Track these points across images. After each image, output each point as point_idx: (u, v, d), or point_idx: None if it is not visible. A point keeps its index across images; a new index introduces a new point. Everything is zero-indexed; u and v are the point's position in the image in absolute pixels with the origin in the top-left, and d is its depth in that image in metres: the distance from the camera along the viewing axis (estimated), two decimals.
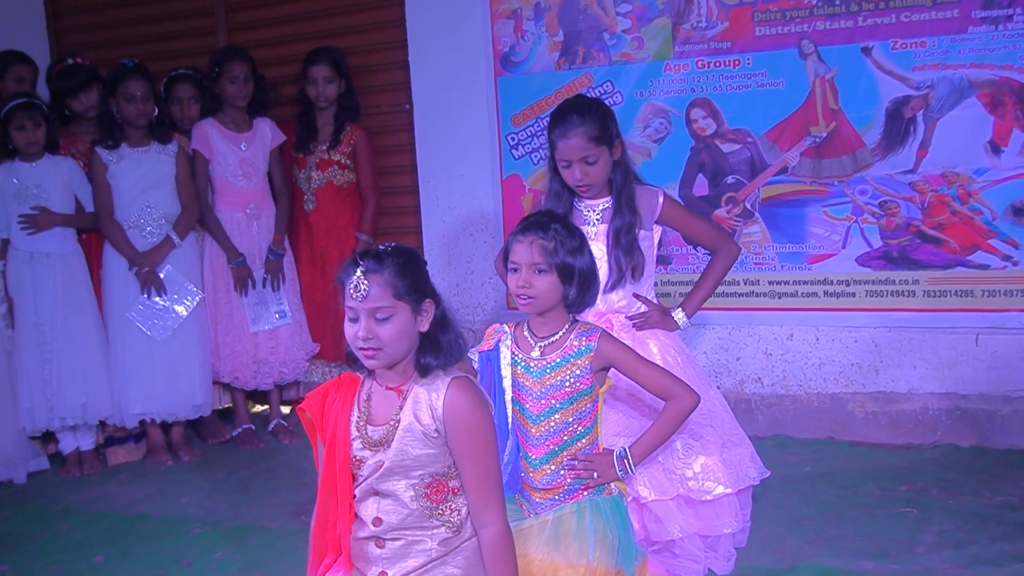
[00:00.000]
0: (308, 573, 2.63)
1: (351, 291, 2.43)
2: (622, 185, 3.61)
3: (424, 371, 2.51)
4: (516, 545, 2.64)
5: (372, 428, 2.51)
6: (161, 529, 4.37)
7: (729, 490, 3.48)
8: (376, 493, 2.51)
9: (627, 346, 3.14)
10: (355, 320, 2.45)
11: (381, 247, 2.50)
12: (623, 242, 3.58)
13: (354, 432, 2.53)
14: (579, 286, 3.02)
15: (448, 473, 2.51)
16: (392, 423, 2.49)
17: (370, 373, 2.58)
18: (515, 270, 3.01)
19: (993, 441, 4.72)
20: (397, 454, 2.47)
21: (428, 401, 2.48)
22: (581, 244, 3.05)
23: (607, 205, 3.63)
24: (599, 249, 3.57)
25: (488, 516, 2.50)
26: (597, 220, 3.63)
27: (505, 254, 3.08)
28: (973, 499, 4.12)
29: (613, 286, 3.60)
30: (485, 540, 2.51)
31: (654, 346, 3.59)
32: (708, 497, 3.45)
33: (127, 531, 4.37)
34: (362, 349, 2.45)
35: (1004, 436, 4.70)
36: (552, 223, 3.03)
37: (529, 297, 2.98)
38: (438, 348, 2.52)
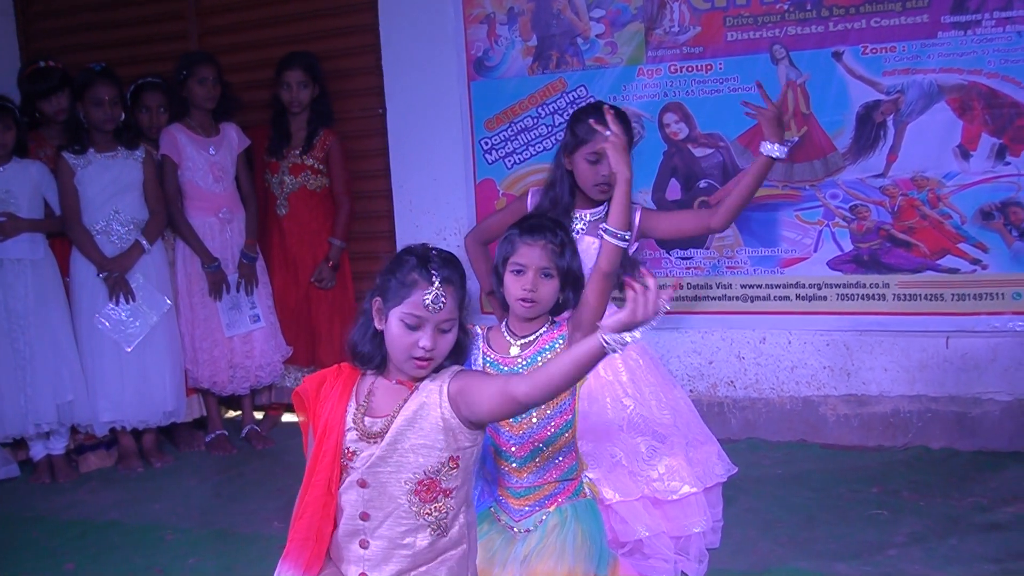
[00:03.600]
0: (288, 560, 2.54)
1: (428, 303, 2.39)
2: None
3: (439, 368, 2.51)
4: (505, 568, 2.78)
5: (371, 420, 2.47)
6: (133, 536, 4.35)
7: (695, 489, 3.50)
8: (365, 485, 2.47)
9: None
10: (415, 328, 2.41)
11: (445, 254, 2.49)
12: None
13: (349, 423, 2.48)
14: (575, 290, 3.04)
15: (441, 471, 2.46)
16: (393, 415, 2.45)
17: (382, 370, 2.54)
18: (520, 272, 2.99)
19: (963, 443, 4.75)
20: (390, 444, 2.43)
21: (436, 391, 2.45)
22: (576, 248, 3.08)
23: (596, 216, 3.65)
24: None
25: (519, 377, 2.40)
26: (582, 229, 3.65)
27: (479, 241, 3.08)
28: (943, 500, 4.15)
29: None
30: (528, 373, 2.40)
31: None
32: (674, 497, 3.48)
33: (99, 538, 4.35)
34: (417, 359, 2.42)
35: (974, 438, 4.74)
36: (556, 226, 3.05)
37: (533, 302, 2.98)
38: (460, 350, 2.53)
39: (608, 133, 3.17)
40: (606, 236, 3.09)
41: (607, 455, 3.50)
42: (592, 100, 5.24)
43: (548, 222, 3.07)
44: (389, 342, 2.46)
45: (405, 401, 2.47)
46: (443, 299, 2.39)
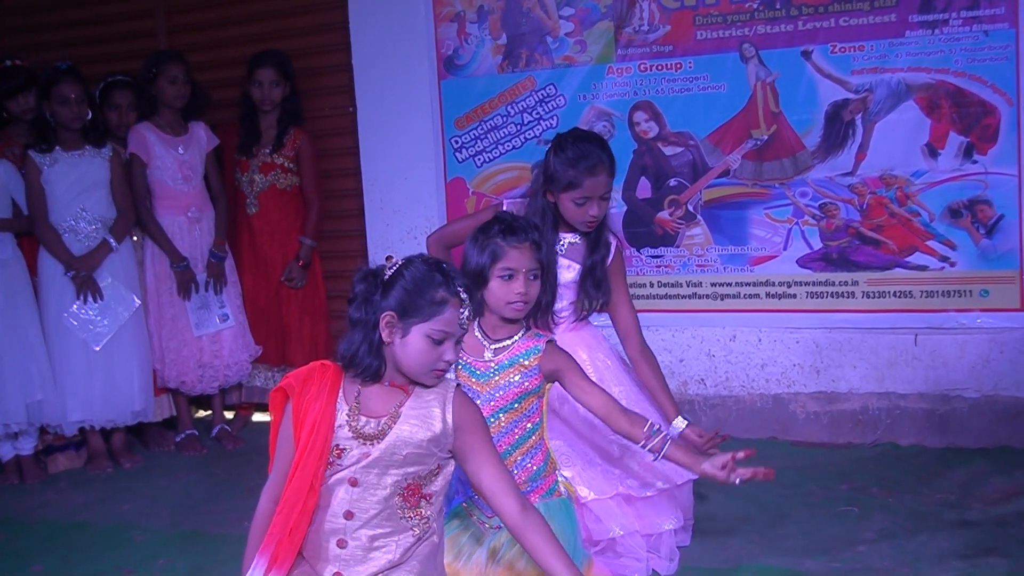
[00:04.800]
0: (266, 552, 2.51)
1: (462, 320, 2.45)
2: (602, 220, 3.64)
3: None
4: (471, 561, 2.78)
5: (365, 419, 2.48)
6: (102, 537, 4.32)
7: (667, 486, 3.51)
8: (356, 484, 2.47)
9: (574, 359, 3.13)
10: (441, 343, 2.45)
11: (454, 267, 2.53)
12: (598, 274, 3.60)
13: (341, 420, 2.48)
14: (544, 283, 3.05)
15: (426, 477, 2.50)
16: (391, 417, 2.47)
17: (370, 377, 2.54)
18: (510, 277, 2.97)
19: (932, 440, 4.78)
20: (389, 447, 2.45)
21: (438, 401, 2.50)
22: (547, 240, 3.09)
23: (575, 239, 3.65)
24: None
25: (521, 498, 2.53)
26: (560, 252, 3.63)
27: (443, 244, 3.06)
28: (912, 497, 4.17)
29: (578, 318, 3.63)
30: (535, 520, 2.50)
31: (584, 353, 3.63)
32: (647, 494, 3.49)
33: (68, 539, 4.31)
34: (438, 370, 2.47)
35: (943, 435, 4.77)
36: (532, 226, 3.04)
37: (525, 304, 2.98)
38: None
39: (736, 482, 3.09)
40: (652, 442, 3.06)
41: (581, 453, 3.51)
42: (561, 97, 5.25)
43: (523, 222, 3.06)
44: (407, 355, 2.46)
45: (401, 405, 2.49)
46: (472, 315, 2.47)
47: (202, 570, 3.88)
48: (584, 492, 3.43)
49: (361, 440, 2.46)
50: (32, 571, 3.99)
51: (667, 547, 3.54)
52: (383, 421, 2.47)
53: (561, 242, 3.64)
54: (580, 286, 3.63)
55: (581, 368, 3.13)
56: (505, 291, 2.98)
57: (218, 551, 4.02)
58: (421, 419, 2.47)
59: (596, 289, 3.62)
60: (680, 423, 3.50)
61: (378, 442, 2.45)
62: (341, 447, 2.48)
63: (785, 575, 3.50)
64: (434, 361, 2.45)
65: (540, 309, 3.11)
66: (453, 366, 3.06)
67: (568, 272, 3.64)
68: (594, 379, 3.63)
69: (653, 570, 3.48)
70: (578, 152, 3.52)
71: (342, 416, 2.49)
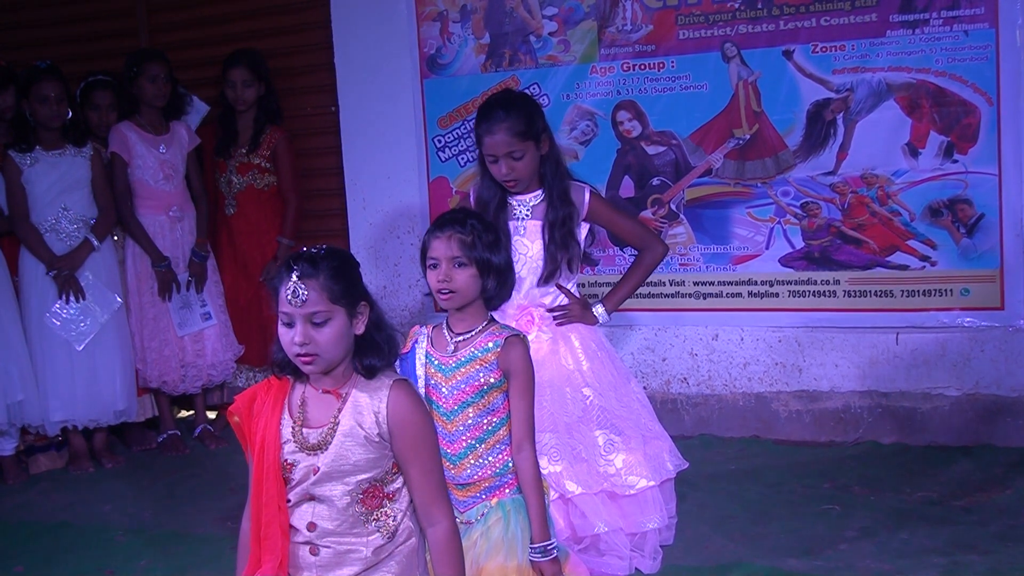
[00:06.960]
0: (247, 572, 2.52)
1: (288, 296, 2.38)
2: (553, 179, 3.63)
3: (370, 373, 2.49)
4: None
5: (308, 431, 2.47)
6: (84, 537, 4.31)
7: (652, 483, 3.51)
8: (312, 498, 2.47)
9: (531, 369, 3.09)
10: (290, 325, 2.41)
11: (314, 250, 2.46)
12: (557, 236, 3.59)
13: (286, 435, 2.47)
14: (497, 279, 3.02)
15: (384, 479, 2.48)
16: (330, 426, 2.45)
17: (302, 377, 2.54)
18: (434, 266, 2.98)
19: (913, 438, 4.80)
20: (336, 459, 2.43)
21: (371, 406, 2.45)
22: (497, 239, 3.05)
23: (538, 200, 3.65)
24: (528, 244, 3.59)
25: (436, 514, 2.50)
26: (527, 215, 3.64)
27: (423, 252, 3.07)
28: (894, 495, 4.18)
29: (548, 279, 3.61)
30: (434, 538, 2.51)
31: (576, 340, 3.63)
32: (632, 491, 3.49)
33: (49, 540, 4.30)
34: (299, 356, 2.41)
35: (924, 433, 4.78)
36: (468, 218, 3.03)
37: (450, 292, 2.97)
38: (378, 348, 2.50)
39: None
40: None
41: (569, 447, 3.51)
42: (545, 96, 5.25)
43: (459, 215, 3.05)
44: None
45: (339, 412, 2.47)
46: (303, 291, 2.38)
47: (184, 571, 3.87)
48: (571, 487, 3.42)
49: (307, 452, 2.45)
50: (13, 572, 3.98)
51: (651, 545, 3.54)
52: (324, 431, 2.46)
53: (526, 205, 3.65)
54: (545, 248, 3.62)
55: (530, 380, 3.08)
56: (431, 280, 2.99)
57: (200, 552, 4.02)
58: (359, 426, 2.45)
59: (562, 250, 3.61)
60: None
61: (322, 453, 2.44)
62: (290, 462, 2.47)
63: (767, 573, 3.52)
64: (289, 345, 2.42)
65: (498, 292, 3.08)
66: (424, 364, 3.07)
67: (538, 232, 3.65)
68: (585, 367, 3.64)
69: (636, 568, 3.49)
70: (481, 111, 3.62)
71: (287, 431, 2.48)
